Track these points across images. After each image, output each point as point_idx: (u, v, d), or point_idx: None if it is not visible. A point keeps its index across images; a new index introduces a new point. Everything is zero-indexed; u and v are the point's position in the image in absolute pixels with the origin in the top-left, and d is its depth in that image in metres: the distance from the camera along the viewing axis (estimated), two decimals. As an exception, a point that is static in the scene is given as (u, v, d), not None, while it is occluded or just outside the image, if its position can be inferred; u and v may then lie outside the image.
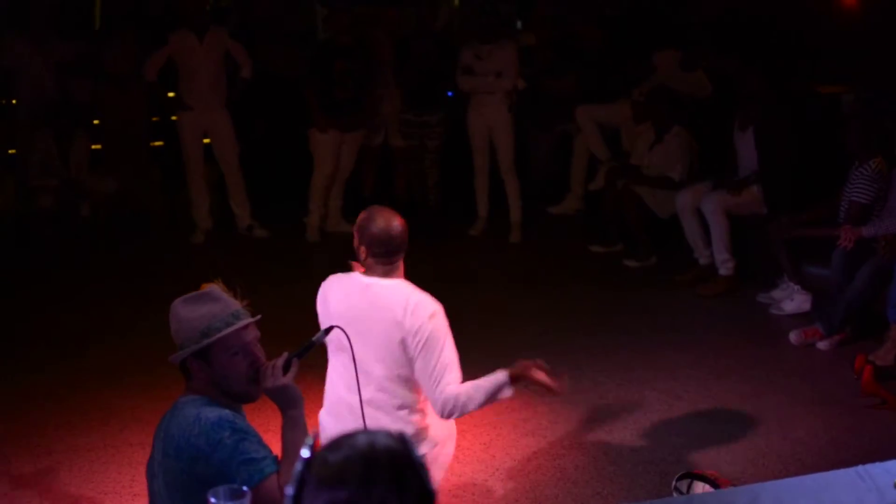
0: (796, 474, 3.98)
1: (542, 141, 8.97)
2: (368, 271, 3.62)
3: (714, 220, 6.89)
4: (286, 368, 2.86)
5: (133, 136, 8.49)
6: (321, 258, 7.72)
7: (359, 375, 3.45)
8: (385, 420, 3.51)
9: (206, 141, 8.22)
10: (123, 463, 4.65)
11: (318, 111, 7.85)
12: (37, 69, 7.93)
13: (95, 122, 8.53)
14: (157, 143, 9.06)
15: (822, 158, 6.76)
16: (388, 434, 1.73)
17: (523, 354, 5.70)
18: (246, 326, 2.86)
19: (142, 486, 3.65)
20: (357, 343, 3.38)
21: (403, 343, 3.50)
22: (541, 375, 3.53)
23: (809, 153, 6.72)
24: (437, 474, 3.69)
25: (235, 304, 2.88)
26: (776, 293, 6.62)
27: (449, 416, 3.51)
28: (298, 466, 1.68)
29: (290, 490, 1.68)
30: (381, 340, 3.50)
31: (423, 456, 1.76)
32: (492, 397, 3.49)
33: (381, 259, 3.58)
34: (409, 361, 3.52)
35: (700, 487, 3.79)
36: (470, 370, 3.62)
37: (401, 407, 3.57)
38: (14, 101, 8.36)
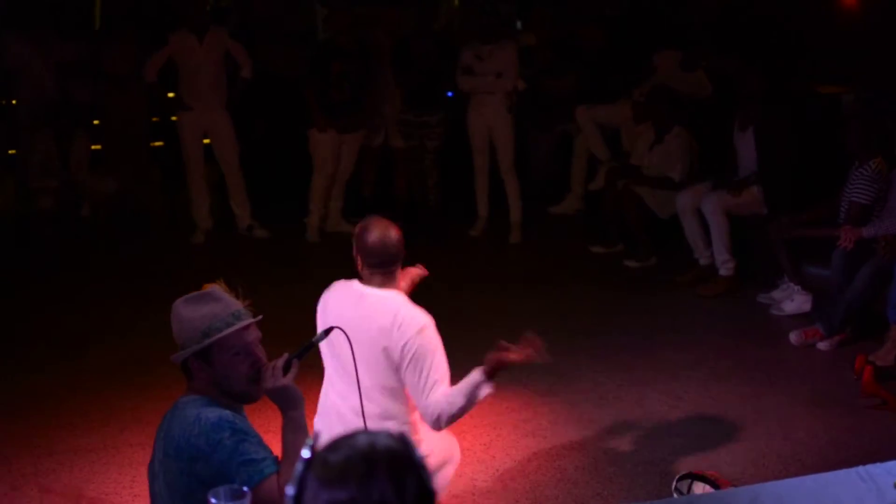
0: (797, 475, 3.98)
1: (542, 141, 8.97)
2: (365, 280, 3.64)
3: (714, 221, 6.89)
4: (286, 369, 2.86)
5: (133, 136, 8.48)
6: (321, 259, 7.72)
7: (347, 384, 3.49)
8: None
9: (207, 141, 8.22)
10: (124, 464, 4.65)
11: (317, 111, 7.86)
12: (37, 69, 7.93)
13: (95, 122, 8.52)
14: (158, 144, 9.06)
15: (822, 158, 6.76)
16: (389, 434, 1.73)
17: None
18: (247, 327, 2.86)
19: (142, 487, 3.65)
20: (347, 351, 3.40)
21: (390, 356, 3.51)
22: (512, 356, 3.45)
23: (809, 153, 6.72)
24: None
25: (237, 305, 2.88)
26: (776, 293, 6.62)
27: (438, 424, 3.49)
28: (299, 467, 1.68)
29: (290, 490, 1.68)
30: (369, 351, 3.50)
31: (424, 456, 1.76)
32: (472, 397, 3.44)
33: (377, 269, 3.60)
34: (396, 374, 3.54)
35: (700, 488, 3.79)
36: (470, 371, 3.61)
37: (387, 418, 3.57)
38: (14, 102, 8.36)
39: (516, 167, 8.15)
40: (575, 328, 6.28)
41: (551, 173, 9.05)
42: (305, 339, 3.08)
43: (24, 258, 7.58)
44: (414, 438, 3.62)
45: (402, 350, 3.48)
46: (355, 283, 3.68)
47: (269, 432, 3.41)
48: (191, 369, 2.86)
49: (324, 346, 3.68)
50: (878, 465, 3.28)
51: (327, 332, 3.15)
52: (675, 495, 3.81)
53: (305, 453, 1.69)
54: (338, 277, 3.84)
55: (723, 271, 6.92)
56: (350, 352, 3.23)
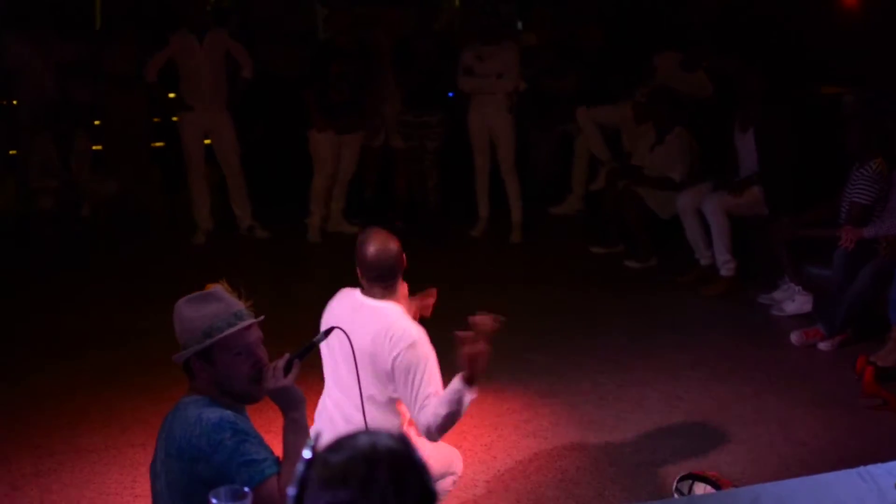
0: (797, 475, 3.97)
1: (542, 141, 8.97)
2: (366, 291, 3.65)
3: (715, 221, 6.89)
4: (287, 370, 2.86)
5: (134, 136, 8.48)
6: (322, 259, 7.72)
7: (341, 392, 3.51)
8: None
9: (207, 142, 8.22)
10: (125, 464, 4.64)
11: (316, 112, 7.86)
12: (37, 69, 7.93)
13: (96, 122, 8.52)
14: (158, 144, 9.06)
15: (822, 159, 6.75)
16: (390, 435, 1.73)
17: (524, 355, 5.78)
18: (249, 327, 2.86)
19: (143, 488, 3.65)
20: (340, 359, 3.42)
21: (378, 366, 3.52)
22: (476, 347, 3.35)
23: (810, 154, 6.72)
24: None
25: (238, 305, 2.88)
26: (777, 294, 6.61)
27: (429, 433, 3.47)
28: (300, 467, 1.68)
29: (291, 491, 1.68)
30: (359, 360, 3.50)
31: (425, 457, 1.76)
32: (456, 404, 3.39)
33: (376, 283, 3.61)
34: (385, 387, 3.55)
35: (701, 488, 3.79)
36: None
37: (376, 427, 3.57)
38: (14, 102, 8.36)
39: (517, 167, 8.15)
40: (575, 328, 6.29)
41: (552, 174, 9.05)
42: (306, 340, 3.08)
43: (24, 258, 7.58)
44: None
45: (393, 362, 3.49)
46: (357, 293, 3.70)
47: (271, 433, 3.41)
48: (192, 369, 2.86)
49: (324, 353, 3.69)
50: (879, 465, 3.27)
51: (328, 332, 3.15)
52: (675, 496, 3.81)
53: (306, 454, 1.69)
54: (338, 278, 3.84)
55: (724, 272, 6.93)
56: (346, 359, 3.22)
